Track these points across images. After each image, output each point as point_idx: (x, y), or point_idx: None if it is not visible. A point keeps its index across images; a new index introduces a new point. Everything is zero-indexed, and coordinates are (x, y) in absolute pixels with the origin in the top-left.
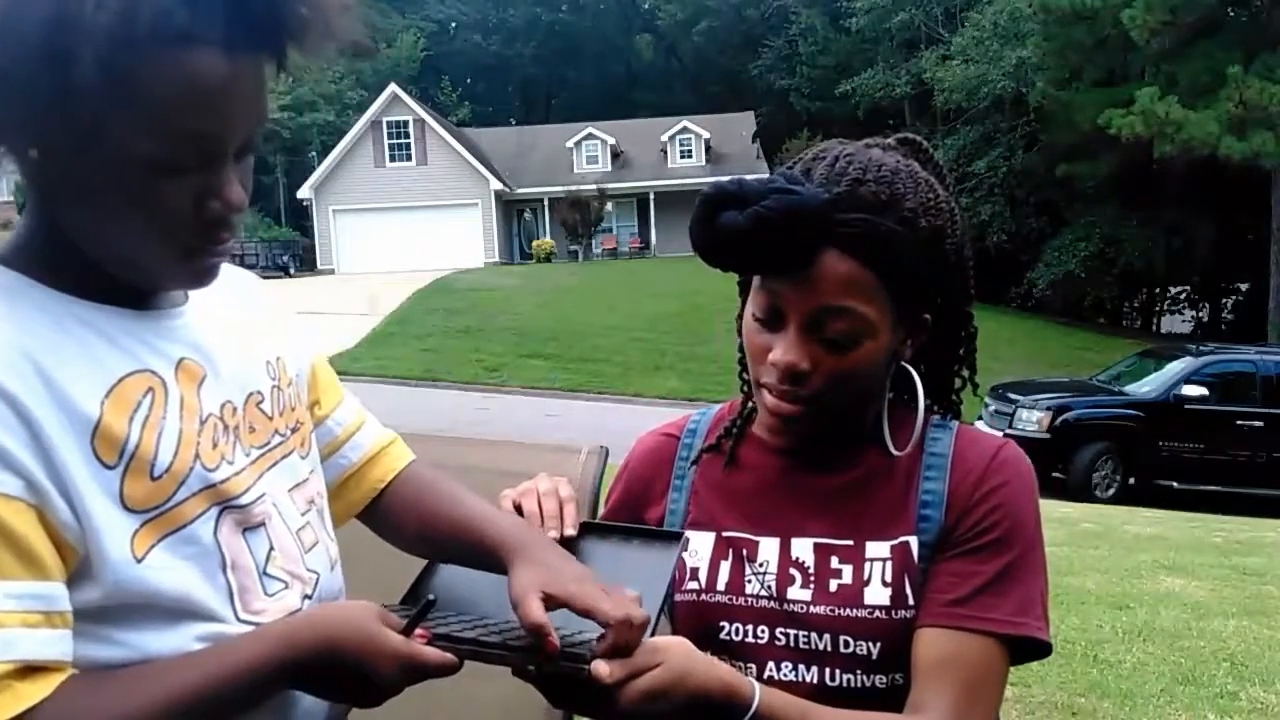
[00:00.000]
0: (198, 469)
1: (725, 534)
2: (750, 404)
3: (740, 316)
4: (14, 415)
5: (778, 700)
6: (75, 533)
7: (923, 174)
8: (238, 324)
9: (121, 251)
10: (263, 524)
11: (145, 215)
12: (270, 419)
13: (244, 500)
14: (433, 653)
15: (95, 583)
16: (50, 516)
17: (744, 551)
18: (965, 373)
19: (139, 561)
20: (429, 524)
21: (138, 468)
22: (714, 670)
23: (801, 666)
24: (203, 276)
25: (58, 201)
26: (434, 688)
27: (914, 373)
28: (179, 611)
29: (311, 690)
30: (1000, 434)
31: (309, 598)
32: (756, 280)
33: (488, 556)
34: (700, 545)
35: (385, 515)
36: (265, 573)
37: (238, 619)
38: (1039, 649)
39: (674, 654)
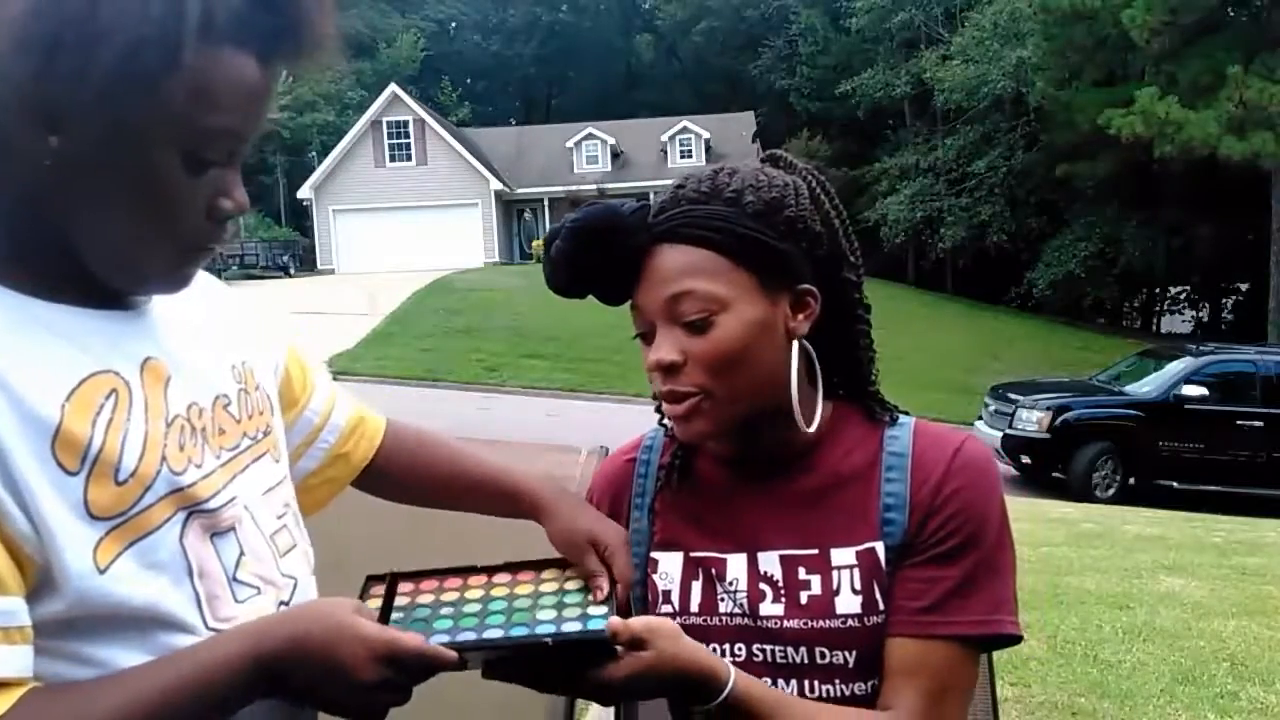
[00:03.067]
0: (164, 472)
1: (693, 554)
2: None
3: None
4: None
5: (754, 687)
6: (34, 544)
7: (756, 168)
8: (202, 326)
9: (123, 248)
10: (233, 529)
11: (162, 210)
12: (239, 422)
13: (213, 504)
14: (411, 639)
15: (58, 595)
16: (7, 528)
17: (713, 571)
18: (868, 350)
19: (102, 572)
20: (438, 479)
21: (101, 472)
22: (697, 653)
23: (780, 680)
24: (185, 281)
25: (61, 193)
26: (434, 687)
27: (808, 346)
28: (146, 622)
29: (293, 697)
30: (1000, 433)
31: (285, 604)
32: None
33: (510, 504)
34: (670, 567)
35: (385, 480)
36: (235, 579)
37: (207, 627)
38: (1011, 639)
39: (664, 635)
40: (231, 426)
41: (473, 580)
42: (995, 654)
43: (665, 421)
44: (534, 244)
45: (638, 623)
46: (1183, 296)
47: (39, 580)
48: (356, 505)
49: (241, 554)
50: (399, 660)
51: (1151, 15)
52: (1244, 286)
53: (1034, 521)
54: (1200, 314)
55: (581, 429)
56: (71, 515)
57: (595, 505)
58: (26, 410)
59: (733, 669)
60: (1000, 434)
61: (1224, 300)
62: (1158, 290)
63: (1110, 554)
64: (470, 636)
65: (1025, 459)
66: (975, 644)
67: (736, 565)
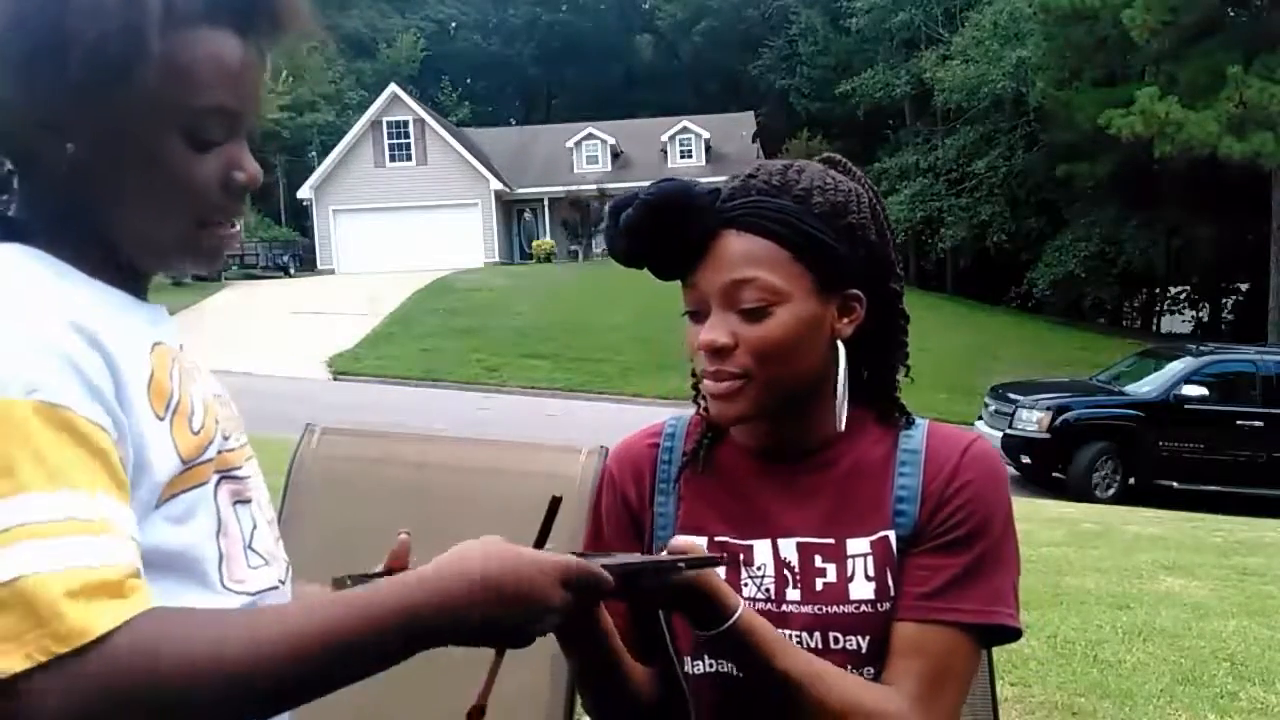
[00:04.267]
0: (217, 433)
1: (716, 539)
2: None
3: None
4: (103, 362)
5: (757, 622)
6: (130, 473)
7: (823, 169)
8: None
9: (154, 234)
10: (250, 500)
11: (178, 192)
12: (233, 421)
13: (240, 473)
14: (581, 561)
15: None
16: (121, 452)
17: (740, 556)
18: (902, 359)
19: (157, 509)
20: None
21: (180, 421)
22: (715, 578)
23: None
24: (214, 256)
25: (82, 186)
26: (435, 688)
27: (840, 346)
28: (172, 568)
29: (456, 640)
30: (1000, 433)
31: (282, 581)
32: (682, 291)
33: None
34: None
35: None
36: (250, 546)
37: (223, 585)
38: (1010, 634)
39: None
40: (237, 422)
41: None
42: (995, 654)
43: (701, 401)
44: (534, 244)
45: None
46: (1183, 296)
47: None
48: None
49: (254, 526)
50: (574, 582)
51: (1151, 15)
52: (1244, 286)
53: (1034, 521)
54: (1200, 314)
55: (581, 429)
56: (163, 454)
57: (616, 486)
58: (131, 358)
59: (743, 602)
60: (1000, 434)
61: (1224, 300)
62: (1158, 290)
63: (1110, 554)
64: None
65: (1025, 459)
66: (975, 633)
67: (763, 551)
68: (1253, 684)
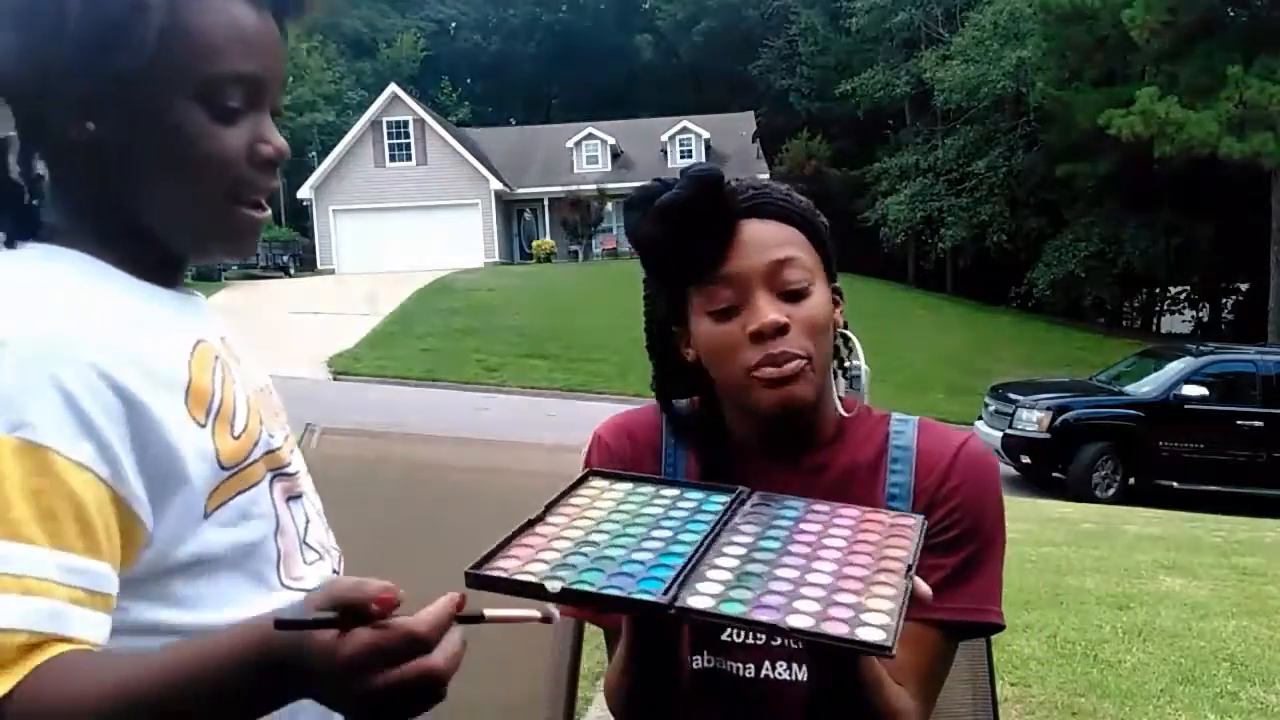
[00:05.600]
0: (263, 433)
1: None
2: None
3: (666, 369)
4: (107, 389)
5: None
6: (147, 512)
7: None
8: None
9: (184, 211)
10: (302, 495)
11: (205, 164)
12: (277, 415)
13: (291, 469)
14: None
15: (170, 545)
16: (121, 490)
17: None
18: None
19: (207, 517)
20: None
21: (221, 426)
22: None
23: (795, 665)
24: (246, 237)
25: (111, 171)
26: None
27: (852, 336)
28: (233, 571)
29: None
30: (1000, 433)
31: (336, 572)
32: (696, 297)
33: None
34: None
35: None
36: (305, 542)
37: (282, 584)
38: (994, 629)
39: None
40: (281, 412)
41: (549, 528)
42: (995, 654)
43: (760, 396)
44: (534, 244)
45: None
46: (1183, 296)
47: (141, 542)
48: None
49: (308, 520)
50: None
51: (1151, 15)
52: (1244, 286)
53: (1034, 521)
54: (1200, 314)
55: (582, 429)
56: (202, 462)
57: (612, 452)
58: (161, 370)
59: None
60: (1000, 434)
61: (1224, 300)
62: (1158, 290)
63: (1110, 554)
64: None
65: (1025, 459)
66: (960, 628)
67: None
68: (1253, 684)
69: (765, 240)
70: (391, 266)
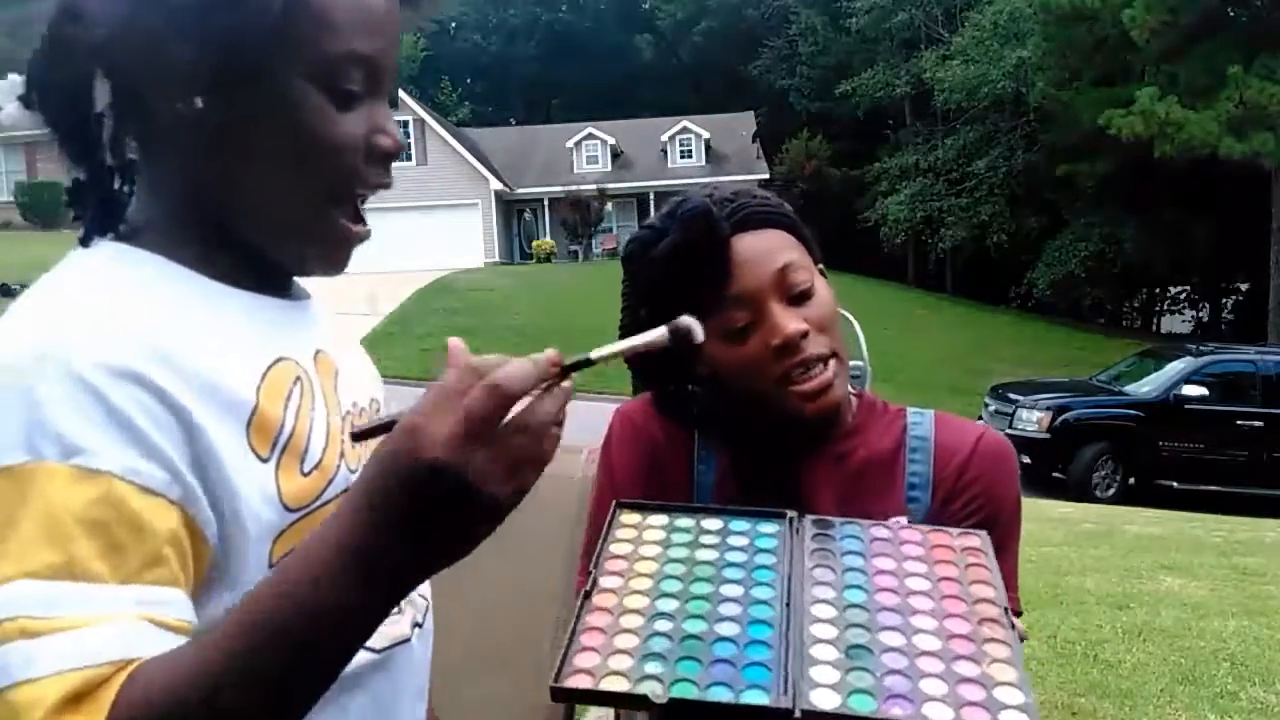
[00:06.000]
0: (343, 468)
1: None
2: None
3: (670, 395)
4: (162, 408)
5: None
6: (214, 533)
7: None
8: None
9: (285, 205)
10: None
11: (317, 151)
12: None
13: None
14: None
15: (228, 589)
16: (190, 510)
17: None
18: None
19: (272, 568)
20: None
21: (289, 462)
22: None
23: None
24: (342, 247)
25: (212, 156)
26: (433, 686)
27: (855, 324)
28: None
29: (419, 546)
30: (1000, 433)
31: (419, 625)
32: (707, 323)
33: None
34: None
35: None
36: None
37: None
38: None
39: None
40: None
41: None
42: None
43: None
44: (534, 244)
45: None
46: (1183, 296)
47: (210, 575)
48: None
49: None
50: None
51: (1151, 15)
52: (1244, 286)
53: (1034, 521)
54: (1200, 314)
55: (581, 429)
56: (263, 503)
57: (641, 431)
58: (223, 394)
59: None
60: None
61: (1224, 300)
62: (1158, 290)
63: (1110, 554)
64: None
65: (1025, 459)
66: None
67: None
68: (1253, 684)
69: (762, 251)
70: (391, 266)
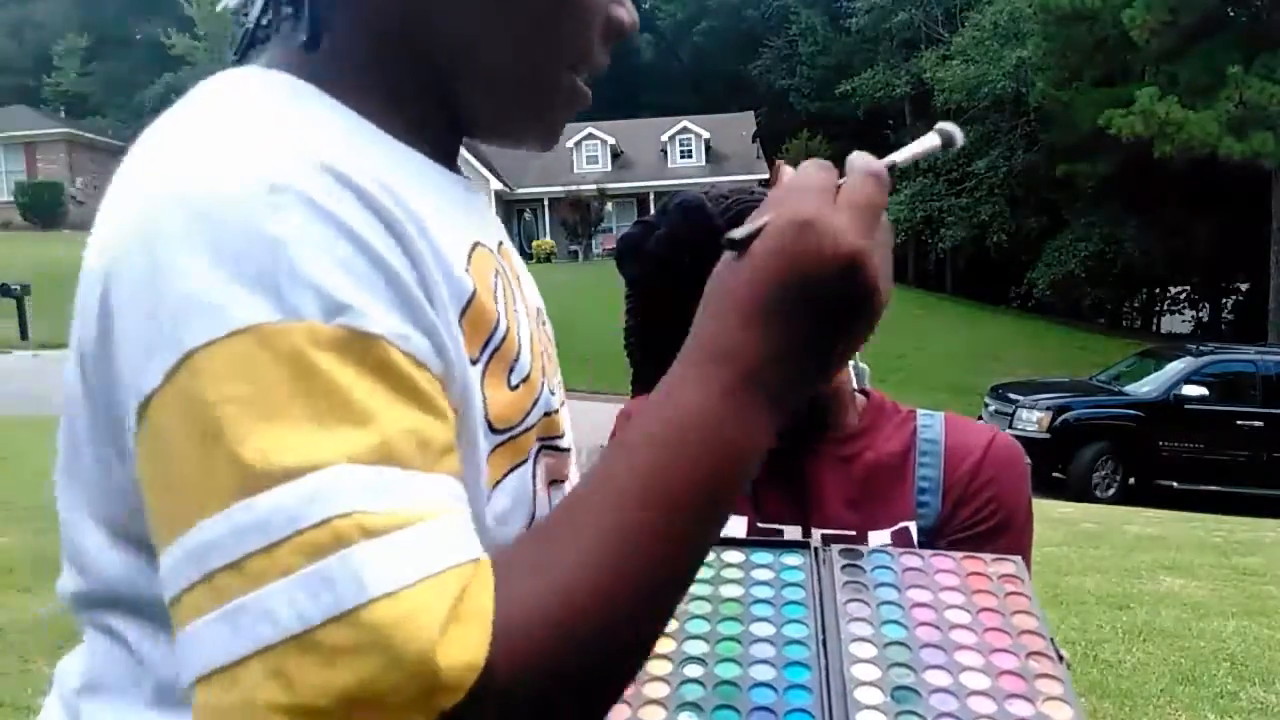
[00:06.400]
0: (544, 387)
1: (759, 525)
2: None
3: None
4: (410, 263)
5: None
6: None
7: None
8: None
9: (515, 72)
10: (564, 481)
11: (564, 12)
12: (552, 358)
13: (564, 444)
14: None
15: None
16: (452, 399)
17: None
18: None
19: (489, 500)
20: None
21: (497, 369)
22: None
23: None
24: (556, 130)
25: (451, 15)
26: None
27: None
28: None
29: (820, 358)
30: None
31: None
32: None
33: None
34: (734, 529)
35: None
36: None
37: None
38: None
39: None
40: (554, 354)
41: None
42: None
43: None
44: (534, 244)
45: None
46: (1183, 296)
47: None
48: None
49: None
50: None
51: (1151, 15)
52: (1244, 286)
53: (1034, 521)
54: (1200, 314)
55: (583, 430)
56: (477, 418)
57: None
58: (445, 263)
59: None
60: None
61: (1224, 300)
62: (1158, 290)
63: (1110, 554)
64: None
65: (1025, 459)
66: None
67: (793, 536)
68: (1253, 684)
69: None
70: None
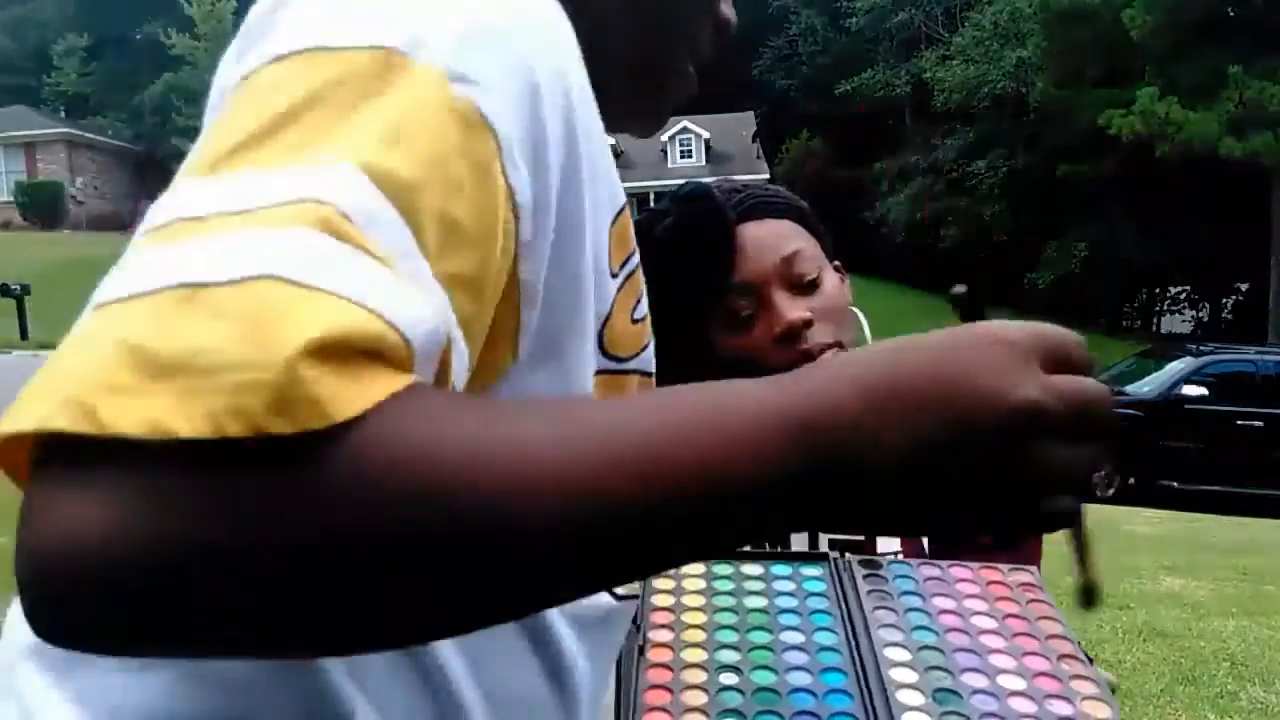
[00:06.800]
0: (650, 342)
1: None
2: None
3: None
4: (563, 122)
5: None
6: (531, 317)
7: None
8: None
9: (640, 43)
10: None
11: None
12: None
13: None
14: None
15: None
16: (521, 261)
17: (779, 548)
18: None
19: None
20: None
21: (628, 296)
22: None
23: None
24: (666, 112)
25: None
26: None
27: (864, 320)
28: None
29: (882, 484)
30: None
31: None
32: (712, 313)
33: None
34: None
35: None
36: None
37: None
38: None
39: None
40: None
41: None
42: None
43: None
44: None
45: None
46: (1183, 296)
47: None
48: None
49: None
50: (1069, 358)
51: (1151, 15)
52: (1244, 286)
53: None
54: (1200, 314)
55: None
56: (594, 325)
57: None
58: (608, 164)
59: None
60: None
61: (1224, 300)
62: (1158, 290)
63: (1110, 554)
64: None
65: None
66: None
67: (801, 546)
68: (1253, 684)
69: (767, 239)
70: None
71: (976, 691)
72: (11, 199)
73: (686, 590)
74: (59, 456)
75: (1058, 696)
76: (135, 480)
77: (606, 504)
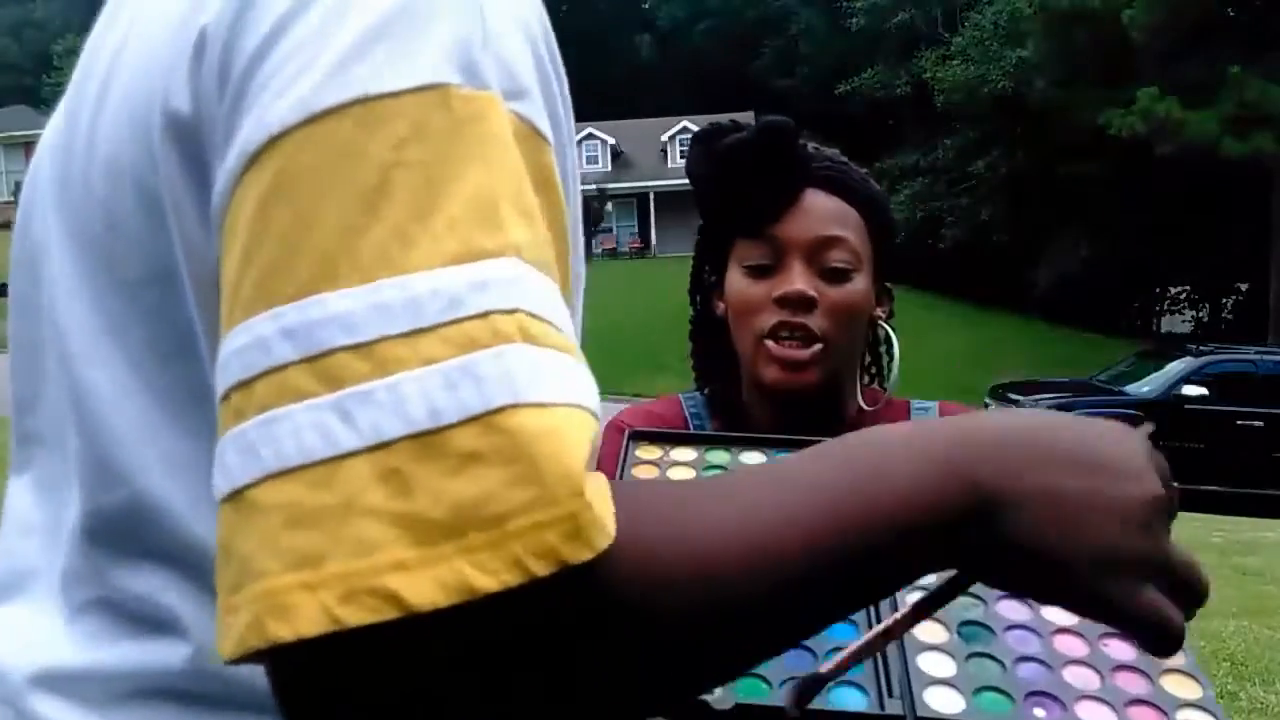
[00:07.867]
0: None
1: None
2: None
3: (699, 317)
4: (564, 103)
5: None
6: None
7: None
8: None
9: None
10: None
11: None
12: None
13: None
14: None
15: None
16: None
17: None
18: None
19: None
20: None
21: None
22: None
23: None
24: None
25: None
26: None
27: (889, 329)
28: None
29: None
30: None
31: None
32: (737, 248)
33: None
34: None
35: None
36: None
37: None
38: None
39: None
40: None
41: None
42: None
43: (767, 378)
44: None
45: None
46: (1183, 296)
47: None
48: None
49: None
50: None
51: (1151, 15)
52: (1244, 286)
53: None
54: (1200, 314)
55: None
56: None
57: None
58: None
59: None
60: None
61: (1224, 300)
62: (1158, 290)
63: None
64: None
65: None
66: None
67: None
68: (1253, 684)
69: (821, 213)
70: None
71: (1011, 626)
72: (11, 199)
73: (676, 462)
74: (351, 647)
75: (1149, 705)
76: (450, 648)
77: (823, 553)
